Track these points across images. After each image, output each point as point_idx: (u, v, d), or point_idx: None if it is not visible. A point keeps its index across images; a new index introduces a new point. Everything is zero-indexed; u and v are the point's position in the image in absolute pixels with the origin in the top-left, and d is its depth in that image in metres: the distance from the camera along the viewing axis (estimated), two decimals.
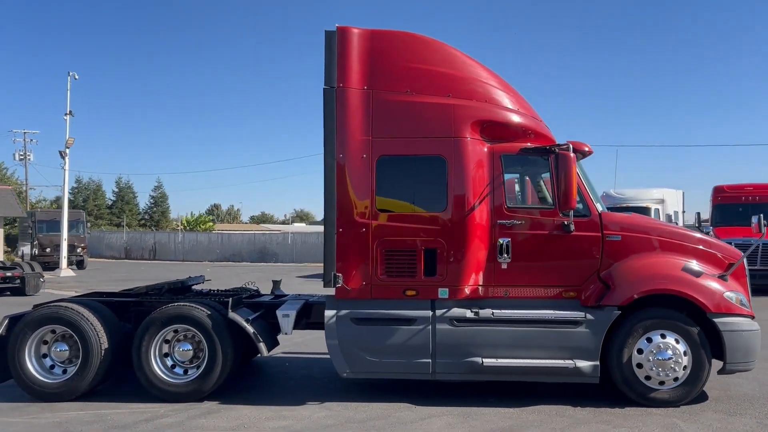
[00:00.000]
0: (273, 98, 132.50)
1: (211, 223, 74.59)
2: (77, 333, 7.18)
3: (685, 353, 6.83)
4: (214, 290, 8.71)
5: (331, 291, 7.33)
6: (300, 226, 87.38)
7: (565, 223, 7.07)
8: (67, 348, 7.31)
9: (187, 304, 7.28)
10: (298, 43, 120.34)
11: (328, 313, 7.15)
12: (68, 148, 30.34)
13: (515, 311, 7.03)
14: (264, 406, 6.96)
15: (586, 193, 7.24)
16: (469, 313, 7.03)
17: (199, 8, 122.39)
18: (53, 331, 7.35)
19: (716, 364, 6.96)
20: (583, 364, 6.85)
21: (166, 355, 7.29)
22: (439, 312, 7.05)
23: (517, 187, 7.64)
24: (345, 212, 7.14)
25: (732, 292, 7.00)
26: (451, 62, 7.39)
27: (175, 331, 7.27)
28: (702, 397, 7.05)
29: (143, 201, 78.75)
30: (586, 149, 7.48)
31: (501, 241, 7.10)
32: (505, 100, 7.42)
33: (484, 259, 7.11)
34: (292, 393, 7.54)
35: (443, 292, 7.08)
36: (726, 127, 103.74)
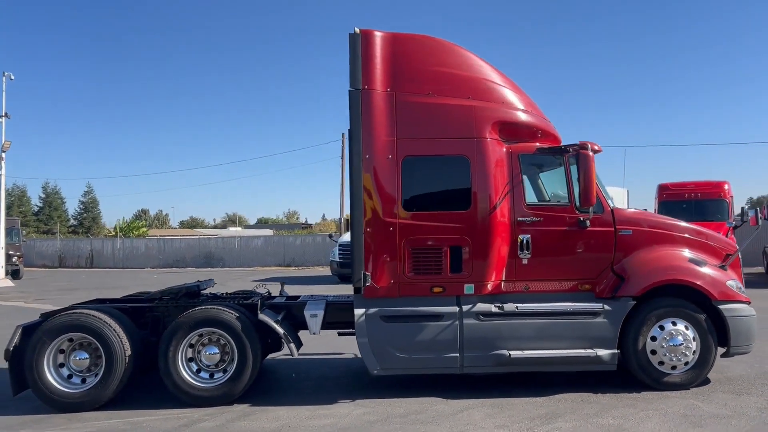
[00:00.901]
0: (202, 104, 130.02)
1: (144, 229, 72.42)
2: (100, 340, 7.00)
3: (694, 339, 7.31)
4: (223, 294, 8.61)
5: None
6: (236, 230, 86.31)
7: (581, 219, 7.43)
8: (87, 356, 7.12)
9: (215, 307, 7.22)
10: (235, 53, 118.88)
11: (358, 311, 7.24)
12: (4, 152, 28.89)
13: (538, 304, 7.34)
14: (297, 406, 6.99)
15: (599, 190, 7.61)
16: (493, 308, 7.28)
17: (124, 11, 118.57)
18: (70, 340, 7.13)
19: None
20: (603, 352, 7.21)
21: (191, 359, 7.20)
22: (465, 307, 7.27)
23: (534, 185, 7.92)
24: (372, 212, 7.26)
25: (733, 281, 7.54)
26: (470, 65, 7.63)
27: (200, 335, 7.19)
28: (705, 381, 7.53)
29: (72, 207, 75.64)
30: (596, 148, 7.85)
31: (521, 238, 7.39)
32: (519, 102, 7.72)
33: (506, 255, 7.37)
34: (318, 393, 7.59)
35: (469, 288, 7.30)
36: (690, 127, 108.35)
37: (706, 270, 7.47)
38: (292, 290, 9.05)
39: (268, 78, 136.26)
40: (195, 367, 7.19)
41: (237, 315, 7.14)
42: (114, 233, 66.46)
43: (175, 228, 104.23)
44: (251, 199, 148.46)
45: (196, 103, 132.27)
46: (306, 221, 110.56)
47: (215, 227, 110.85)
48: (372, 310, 7.23)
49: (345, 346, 9.53)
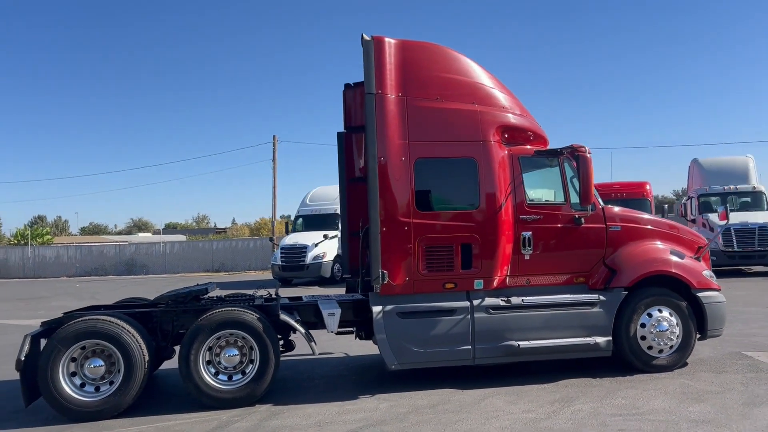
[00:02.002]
0: (103, 106, 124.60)
1: (49, 237, 68.60)
2: (118, 346, 6.87)
3: (677, 324, 8.02)
4: (228, 296, 8.56)
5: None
6: (146, 236, 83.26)
7: (576, 216, 8.00)
8: (102, 363, 6.96)
9: (236, 308, 7.24)
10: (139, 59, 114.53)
11: (376, 309, 7.47)
12: None
13: (542, 297, 7.83)
14: (321, 403, 7.13)
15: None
16: (501, 302, 7.71)
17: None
18: (82, 348, 6.95)
19: None
20: (600, 339, 7.80)
21: (209, 362, 7.19)
22: (475, 302, 7.66)
23: (533, 185, 8.40)
24: (388, 212, 7.51)
25: (707, 271, 8.35)
26: (471, 72, 8.03)
27: (218, 338, 7.19)
28: (684, 364, 8.24)
29: None
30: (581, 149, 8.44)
31: (524, 235, 7.86)
32: (515, 107, 8.21)
33: (510, 251, 7.82)
34: (334, 390, 7.74)
35: (478, 284, 7.69)
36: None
37: (686, 261, 8.23)
38: None
39: (173, 80, 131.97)
40: (213, 370, 7.18)
41: (258, 316, 7.20)
42: (15, 241, 62.65)
43: (75, 235, 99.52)
44: (156, 204, 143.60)
45: (96, 105, 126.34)
46: (215, 225, 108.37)
47: (119, 233, 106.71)
48: (389, 307, 7.48)
49: (332, 346, 9.73)
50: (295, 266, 24.11)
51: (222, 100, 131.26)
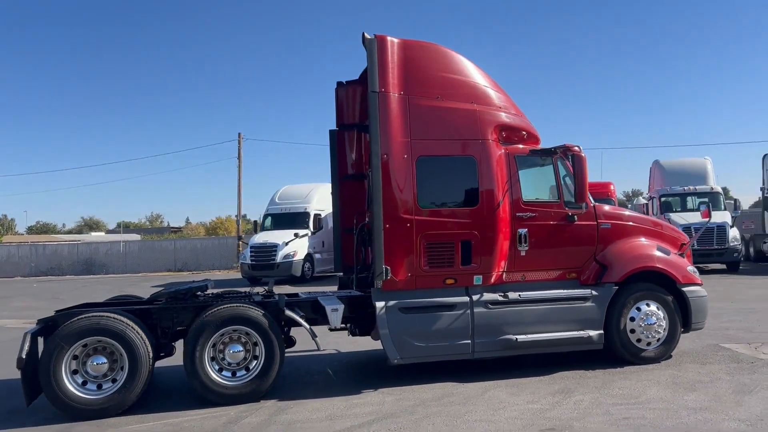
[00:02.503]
0: (55, 104, 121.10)
1: None
2: (122, 343, 6.80)
3: (664, 318, 8.35)
4: (225, 293, 8.52)
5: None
6: (100, 235, 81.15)
7: (569, 213, 8.25)
8: (105, 361, 6.87)
9: (241, 305, 7.24)
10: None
11: (378, 304, 7.57)
12: None
13: (538, 292, 8.06)
14: (326, 398, 7.18)
15: None
16: (499, 297, 7.90)
17: None
18: (84, 345, 6.85)
19: None
20: (593, 333, 8.07)
21: (213, 359, 7.17)
22: (474, 297, 7.83)
23: (528, 184, 8.61)
24: (391, 209, 7.61)
25: (691, 266, 8.71)
26: (470, 72, 8.20)
27: (221, 335, 7.18)
28: (669, 356, 8.58)
29: None
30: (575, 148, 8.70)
31: (520, 232, 8.07)
32: (510, 106, 8.41)
33: (507, 248, 8.01)
34: (335, 385, 7.81)
35: (477, 279, 7.87)
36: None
37: (671, 258, 8.57)
38: None
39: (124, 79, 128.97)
40: (217, 367, 7.17)
41: (263, 312, 7.21)
42: None
43: (23, 234, 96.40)
44: (107, 203, 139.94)
45: (46, 102, 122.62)
46: (169, 224, 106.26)
47: (69, 232, 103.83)
48: (391, 303, 7.59)
49: (323, 343, 9.74)
50: (265, 265, 23.95)
51: (182, 98, 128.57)
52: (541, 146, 8.60)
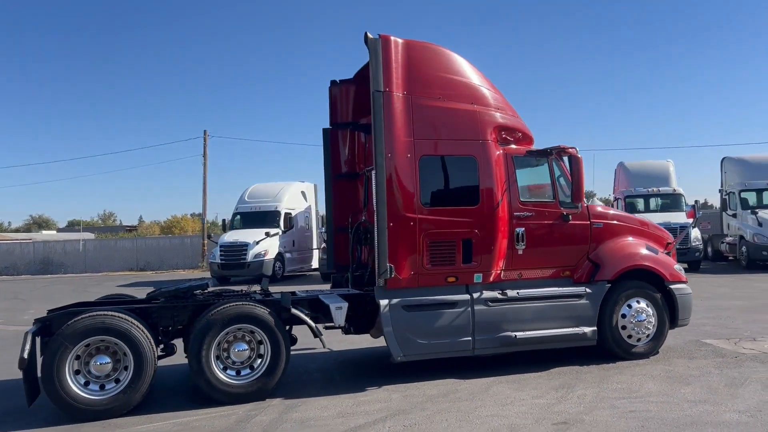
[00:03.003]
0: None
1: None
2: (128, 342, 6.70)
3: (653, 314, 8.63)
4: (223, 292, 8.45)
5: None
6: (51, 234, 78.64)
7: (564, 213, 8.45)
8: (108, 360, 6.75)
9: (248, 303, 7.21)
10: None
11: (383, 302, 7.62)
12: None
13: (535, 290, 8.23)
14: (331, 396, 7.21)
15: None
16: (498, 294, 8.05)
17: None
18: (87, 345, 6.72)
19: None
20: (587, 329, 8.29)
21: (217, 357, 7.12)
22: (475, 295, 7.95)
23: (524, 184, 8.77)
24: (395, 207, 7.66)
25: (677, 265, 9.03)
26: (470, 73, 8.32)
27: (227, 333, 7.13)
28: (656, 352, 8.86)
29: None
30: (571, 150, 8.92)
31: (517, 231, 8.22)
32: (507, 108, 8.57)
33: (506, 246, 8.16)
34: (337, 383, 7.84)
35: (478, 277, 7.99)
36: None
37: (659, 256, 8.87)
38: None
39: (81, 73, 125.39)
40: (221, 365, 7.11)
41: (269, 310, 7.19)
42: None
43: None
44: (56, 201, 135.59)
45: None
46: (121, 223, 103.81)
47: (17, 231, 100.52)
48: (395, 301, 7.65)
49: (314, 342, 9.74)
50: (235, 264, 23.71)
51: (140, 94, 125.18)
52: (534, 146, 8.78)
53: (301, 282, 23.18)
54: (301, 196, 27.43)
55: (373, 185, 7.78)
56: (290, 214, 25.85)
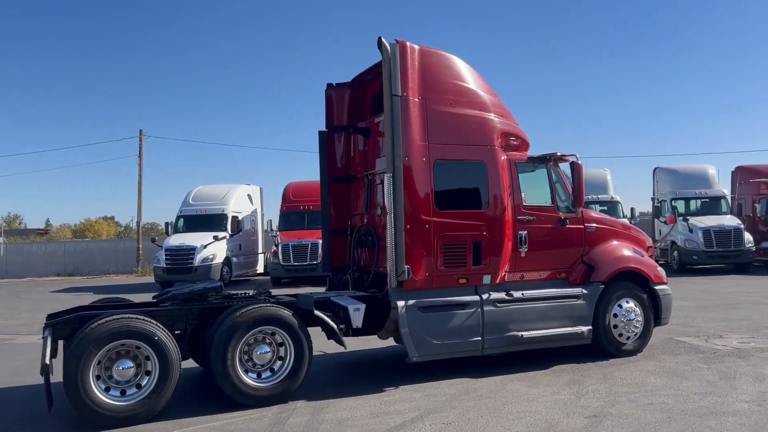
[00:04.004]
0: None
1: None
2: (153, 346, 6.52)
3: (640, 314, 9.15)
4: (235, 294, 8.30)
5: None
6: None
7: (562, 217, 8.85)
8: (131, 365, 6.54)
9: (272, 305, 7.15)
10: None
11: (399, 303, 7.72)
12: None
13: (538, 291, 8.57)
14: (354, 397, 7.23)
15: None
16: (505, 295, 8.32)
17: None
18: (108, 349, 6.48)
19: None
20: (584, 329, 8.70)
21: (239, 360, 7.02)
22: (484, 296, 8.20)
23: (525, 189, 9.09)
24: (411, 210, 7.80)
25: (659, 267, 9.60)
26: (477, 81, 8.58)
27: (250, 335, 7.04)
28: (641, 349, 9.37)
29: None
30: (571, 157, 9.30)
31: (521, 234, 8.54)
32: (509, 115, 8.89)
33: (510, 249, 8.45)
34: (350, 385, 7.84)
35: (486, 279, 8.25)
36: None
37: (645, 259, 9.42)
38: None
39: None
40: (243, 368, 7.02)
41: (292, 312, 7.16)
42: None
43: None
44: None
45: None
46: (26, 226, 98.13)
47: None
48: (411, 302, 7.78)
49: None
50: (181, 269, 23.05)
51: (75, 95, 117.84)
52: (528, 152, 9.13)
53: (247, 287, 22.74)
54: (248, 199, 27.03)
55: (386, 188, 7.87)
56: (237, 217, 25.43)
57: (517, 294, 8.40)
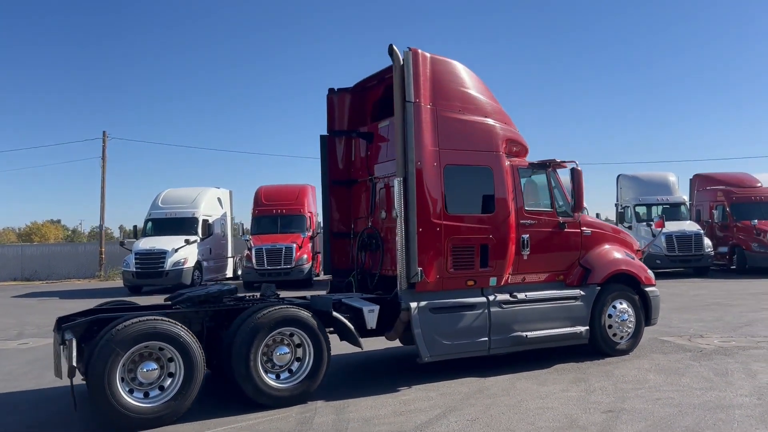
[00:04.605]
0: None
1: None
2: (179, 347, 6.53)
3: (633, 315, 9.55)
4: (250, 296, 8.33)
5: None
6: None
7: (561, 221, 9.18)
8: (156, 367, 6.54)
9: (292, 306, 7.23)
10: None
11: (412, 305, 7.89)
12: None
13: (539, 292, 8.87)
14: (370, 397, 7.36)
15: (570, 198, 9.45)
16: (509, 297, 8.59)
17: None
18: (133, 351, 6.46)
19: None
20: (582, 329, 9.03)
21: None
22: (490, 297, 8.45)
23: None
24: (424, 214, 7.99)
25: (648, 269, 10.03)
26: (482, 89, 8.85)
27: (271, 336, 7.11)
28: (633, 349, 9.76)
29: None
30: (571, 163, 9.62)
31: (523, 237, 8.83)
32: (510, 121, 9.18)
33: (514, 251, 8.73)
34: (365, 386, 7.90)
35: (493, 281, 8.50)
36: None
37: (636, 261, 9.83)
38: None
39: None
40: (263, 369, 7.08)
41: (311, 313, 7.26)
42: None
43: None
44: None
45: None
46: None
47: None
48: (423, 303, 7.96)
49: None
50: (152, 273, 22.70)
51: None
52: (527, 157, 9.44)
53: None
54: (218, 202, 26.78)
55: (397, 192, 8.03)
56: (208, 220, 25.19)
57: (520, 295, 8.67)
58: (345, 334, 7.67)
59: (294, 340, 7.27)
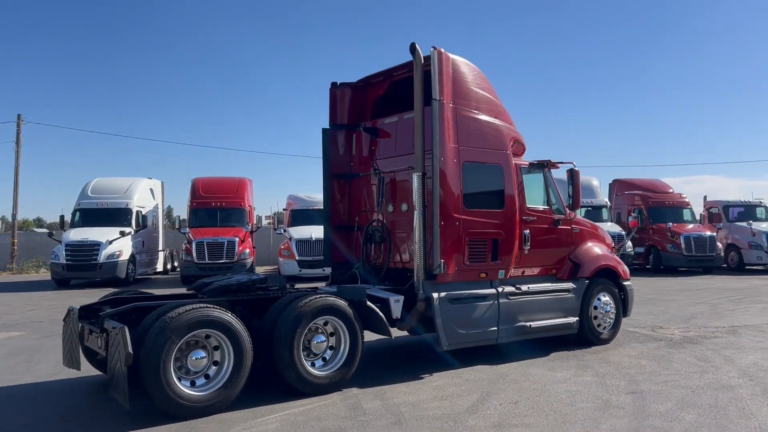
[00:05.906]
0: None
1: None
2: (229, 335, 6.50)
3: (614, 306, 10.29)
4: (272, 286, 8.28)
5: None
6: None
7: (556, 218, 9.77)
8: (204, 355, 6.48)
9: (330, 295, 7.33)
10: None
11: (434, 295, 8.18)
12: None
13: (540, 284, 9.40)
14: (402, 383, 7.56)
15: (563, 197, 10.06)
16: (515, 289, 9.06)
17: None
18: (186, 339, 6.37)
19: None
20: (573, 319, 9.66)
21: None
22: (499, 289, 8.88)
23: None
24: (445, 208, 8.29)
25: (625, 265, 10.83)
26: (491, 90, 9.26)
27: (311, 324, 7.20)
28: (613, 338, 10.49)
29: None
30: (558, 164, 10.22)
31: (525, 232, 9.33)
32: (512, 122, 9.66)
33: (518, 246, 9.21)
34: (390, 374, 8.09)
35: (501, 273, 8.94)
36: None
37: (615, 257, 10.60)
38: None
39: None
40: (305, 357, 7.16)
41: (347, 302, 7.39)
42: None
43: None
44: None
45: None
46: None
47: None
48: (443, 294, 8.27)
49: None
50: (84, 265, 21.62)
51: None
52: (524, 157, 9.97)
53: (150, 285, 21.83)
54: (150, 193, 25.84)
55: (416, 187, 8.28)
56: (141, 212, 24.27)
57: (524, 288, 9.17)
58: (372, 323, 7.83)
59: (327, 328, 7.37)
